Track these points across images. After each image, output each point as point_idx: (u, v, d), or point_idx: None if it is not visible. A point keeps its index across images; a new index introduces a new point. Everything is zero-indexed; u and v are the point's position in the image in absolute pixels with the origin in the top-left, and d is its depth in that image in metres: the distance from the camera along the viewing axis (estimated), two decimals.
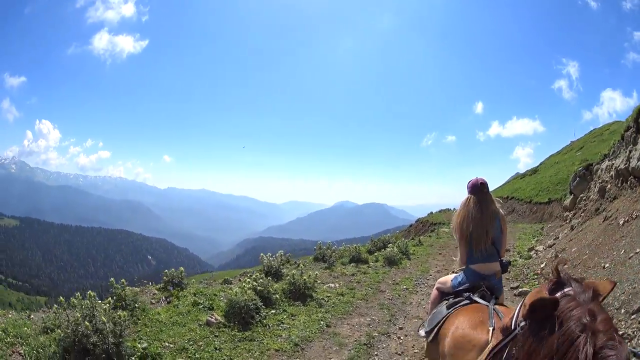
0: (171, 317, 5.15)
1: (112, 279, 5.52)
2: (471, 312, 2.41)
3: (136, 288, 6.06)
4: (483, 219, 2.81)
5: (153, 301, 5.84)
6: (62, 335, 3.74)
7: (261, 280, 6.09)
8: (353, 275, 8.80)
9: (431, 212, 32.61)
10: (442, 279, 3.09)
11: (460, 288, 2.80)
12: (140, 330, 4.64)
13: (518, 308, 1.94)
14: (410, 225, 32.03)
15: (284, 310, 5.91)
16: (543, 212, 19.06)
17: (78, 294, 4.27)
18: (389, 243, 12.58)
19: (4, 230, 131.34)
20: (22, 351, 3.79)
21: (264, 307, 5.63)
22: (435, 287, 3.13)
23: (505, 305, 2.54)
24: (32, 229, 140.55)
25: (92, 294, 4.09)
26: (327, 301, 6.60)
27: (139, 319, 4.90)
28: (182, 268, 6.69)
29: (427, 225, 26.32)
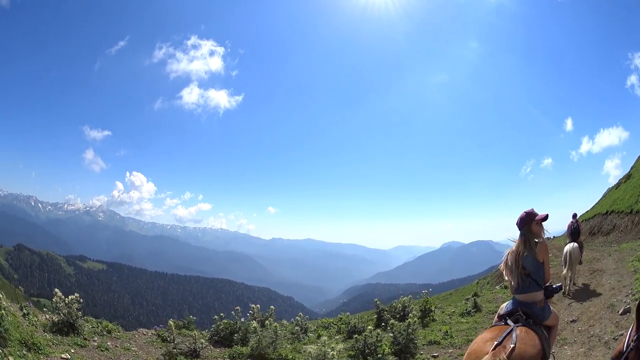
0: None
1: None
2: (492, 330, 2.90)
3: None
4: (516, 254, 3.31)
5: None
6: None
7: None
8: None
9: None
10: (503, 305, 3.51)
11: (502, 313, 3.29)
12: None
13: (630, 330, 2.21)
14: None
15: None
16: None
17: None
18: (410, 311, 8.52)
19: (86, 272, 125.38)
20: None
21: None
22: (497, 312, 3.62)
23: (533, 329, 2.87)
24: (121, 273, 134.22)
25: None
26: None
27: None
28: None
29: None
